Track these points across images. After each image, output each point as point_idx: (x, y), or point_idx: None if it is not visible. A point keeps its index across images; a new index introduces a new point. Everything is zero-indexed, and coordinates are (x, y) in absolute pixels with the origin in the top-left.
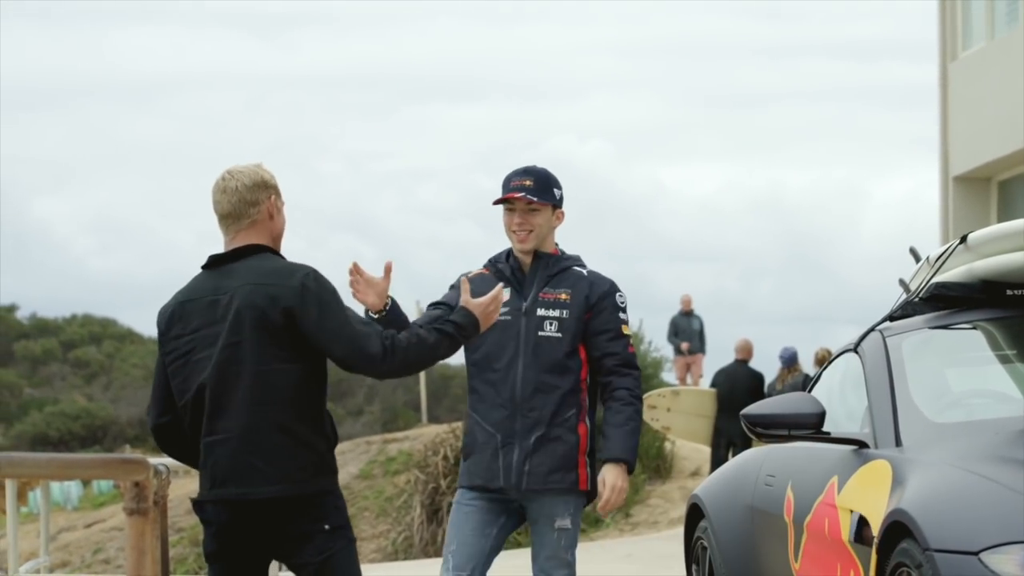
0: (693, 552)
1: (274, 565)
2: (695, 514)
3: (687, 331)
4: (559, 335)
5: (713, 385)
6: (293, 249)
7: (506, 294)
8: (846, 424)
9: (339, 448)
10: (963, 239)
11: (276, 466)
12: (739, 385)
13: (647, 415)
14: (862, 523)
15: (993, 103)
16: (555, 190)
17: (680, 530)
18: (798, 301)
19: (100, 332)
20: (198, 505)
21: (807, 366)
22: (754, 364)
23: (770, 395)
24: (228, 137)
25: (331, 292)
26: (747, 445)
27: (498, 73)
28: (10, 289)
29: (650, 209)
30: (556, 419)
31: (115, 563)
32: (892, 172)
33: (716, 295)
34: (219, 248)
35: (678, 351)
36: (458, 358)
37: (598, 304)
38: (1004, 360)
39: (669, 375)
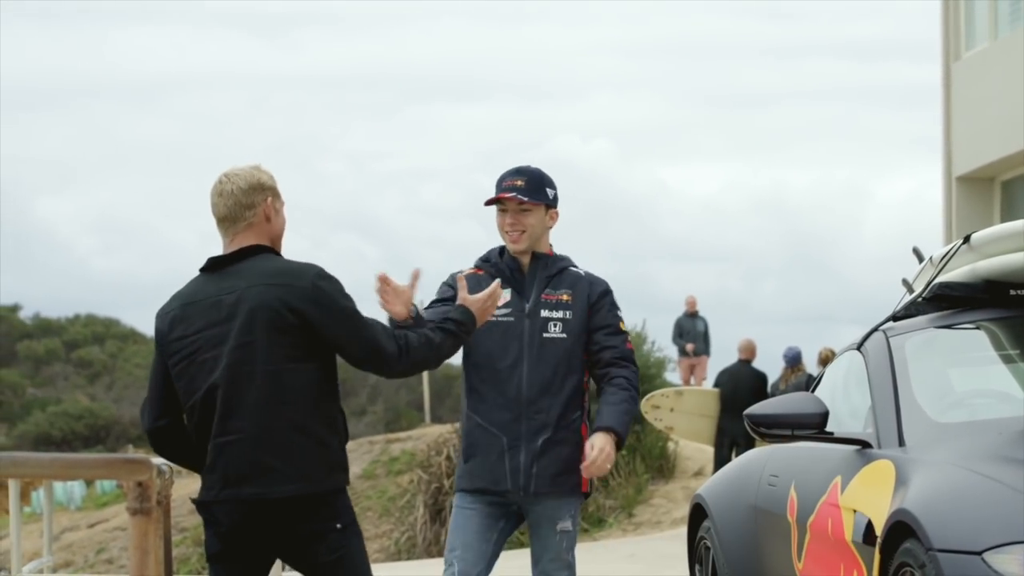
0: (696, 552)
1: (276, 565)
2: (698, 514)
3: (691, 332)
4: (564, 336)
5: (716, 385)
6: (296, 249)
7: (507, 295)
8: (849, 424)
9: None
10: (966, 239)
11: (292, 465)
12: (742, 385)
13: (650, 415)
14: (865, 523)
15: (996, 103)
16: (548, 190)
17: (683, 530)
18: (801, 301)
19: (103, 332)
20: (204, 506)
21: (810, 366)
22: (757, 364)
23: (773, 395)
24: (231, 137)
25: (342, 292)
26: (750, 445)
27: (501, 73)
28: (13, 289)
29: (653, 209)
30: (562, 421)
31: (118, 563)
32: (895, 172)
33: (719, 295)
34: (222, 249)
35: (683, 352)
36: (456, 359)
37: (597, 302)
38: (1007, 360)
39: (672, 375)
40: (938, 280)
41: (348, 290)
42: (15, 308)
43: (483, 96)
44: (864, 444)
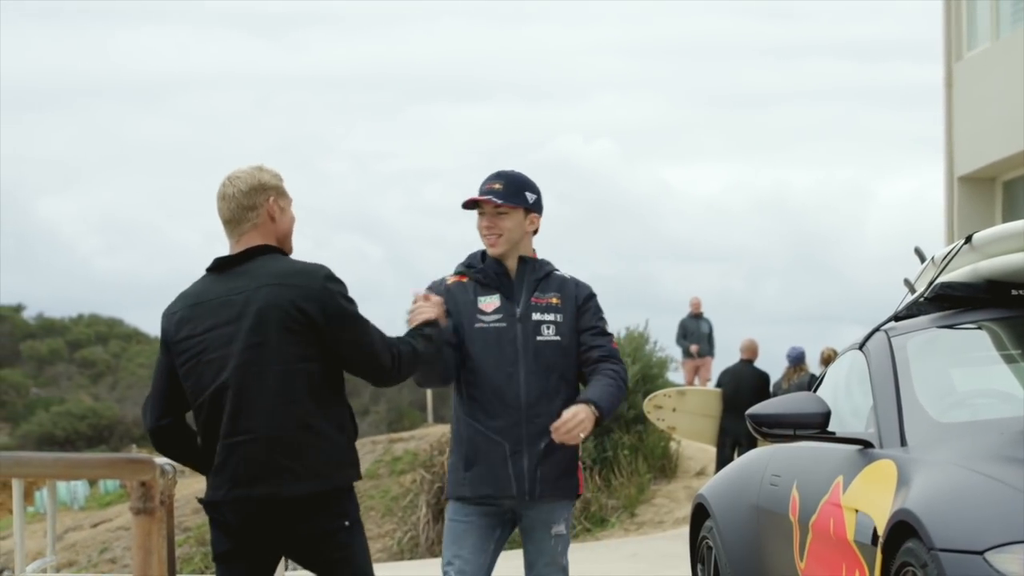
0: (698, 552)
1: (279, 565)
2: (700, 514)
3: (696, 333)
4: (558, 338)
5: (718, 385)
6: (298, 249)
7: (495, 300)
8: (851, 424)
9: None
10: (968, 239)
11: (303, 464)
12: (744, 385)
13: (652, 415)
14: (867, 523)
15: (998, 103)
16: (528, 194)
17: (685, 530)
18: (803, 301)
19: (106, 332)
20: (212, 506)
21: (813, 366)
22: (759, 364)
23: (776, 394)
24: (234, 137)
25: (348, 296)
26: (752, 445)
27: (503, 73)
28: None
29: (655, 209)
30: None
31: (121, 563)
32: (897, 172)
33: (721, 295)
34: (226, 248)
35: (687, 354)
36: None
37: (584, 305)
38: (1009, 360)
39: (674, 375)
40: (940, 280)
41: (351, 291)
42: (18, 308)
43: (485, 96)
44: (866, 444)
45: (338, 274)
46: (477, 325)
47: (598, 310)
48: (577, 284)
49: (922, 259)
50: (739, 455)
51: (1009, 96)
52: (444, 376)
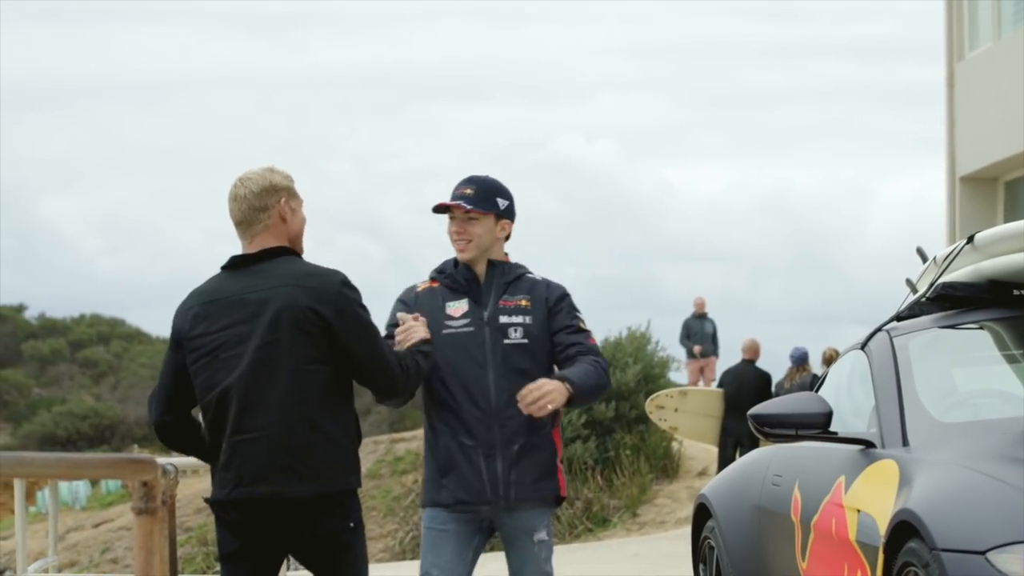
0: (700, 552)
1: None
2: (702, 514)
3: (699, 334)
4: (526, 341)
5: (720, 385)
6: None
7: (463, 304)
8: (853, 424)
9: None
10: (970, 239)
11: (310, 465)
12: (746, 385)
13: (655, 415)
14: (869, 523)
15: (1000, 103)
16: (499, 200)
17: (687, 530)
18: (805, 301)
19: (108, 332)
20: (217, 504)
21: (815, 366)
22: (761, 364)
23: (778, 394)
24: (235, 137)
25: (364, 306)
26: (754, 445)
27: (505, 73)
28: (18, 289)
29: (657, 209)
30: (534, 427)
31: (123, 563)
32: (899, 172)
33: (723, 295)
34: (229, 248)
35: (691, 354)
36: None
37: (556, 305)
38: (1011, 360)
39: (676, 375)
40: (942, 280)
41: None
42: (20, 308)
43: (487, 96)
44: (868, 444)
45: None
46: (445, 331)
47: (572, 308)
48: (548, 285)
49: (924, 259)
50: (741, 455)
51: (1011, 96)
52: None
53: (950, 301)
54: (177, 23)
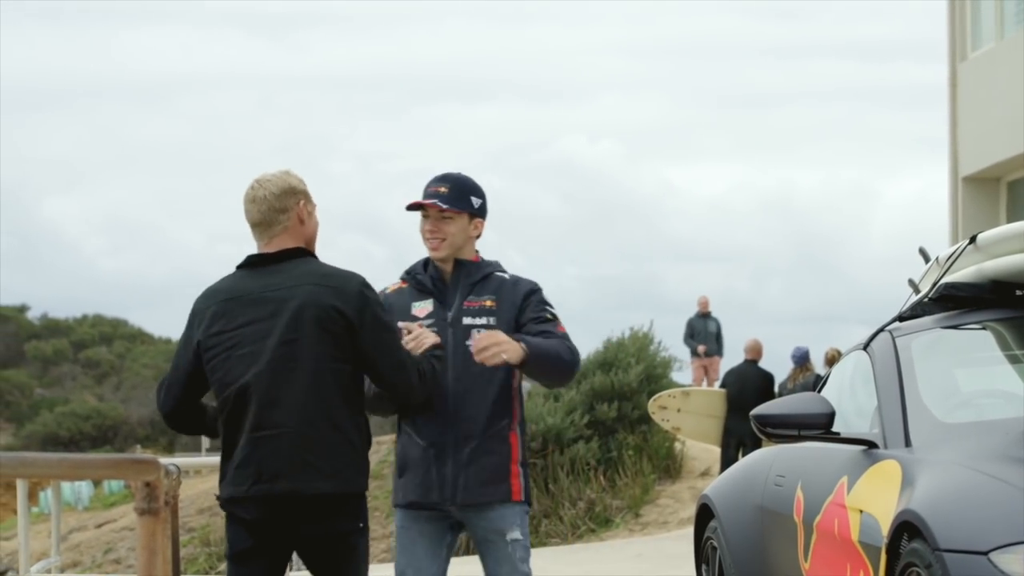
0: (703, 552)
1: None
2: (705, 514)
3: (703, 333)
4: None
5: (723, 385)
6: None
7: (428, 305)
8: (856, 424)
9: None
10: (972, 239)
11: (329, 463)
12: (749, 385)
13: (657, 416)
14: (871, 523)
15: (1002, 103)
16: (473, 198)
17: (690, 530)
18: (807, 301)
19: (111, 332)
20: (234, 501)
21: (818, 366)
22: (764, 364)
23: (781, 394)
24: (237, 137)
25: (383, 307)
26: (757, 445)
27: (508, 73)
28: (20, 289)
29: (660, 209)
30: (488, 430)
31: (126, 563)
32: (901, 172)
33: (726, 295)
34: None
35: (695, 353)
36: None
37: (524, 301)
38: (1013, 360)
39: (678, 375)
40: (944, 280)
41: None
42: (23, 308)
43: (490, 96)
44: (870, 444)
45: None
46: None
47: (541, 302)
48: (516, 283)
49: (926, 259)
50: (743, 455)
51: (1014, 96)
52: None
53: (952, 301)
54: (179, 23)
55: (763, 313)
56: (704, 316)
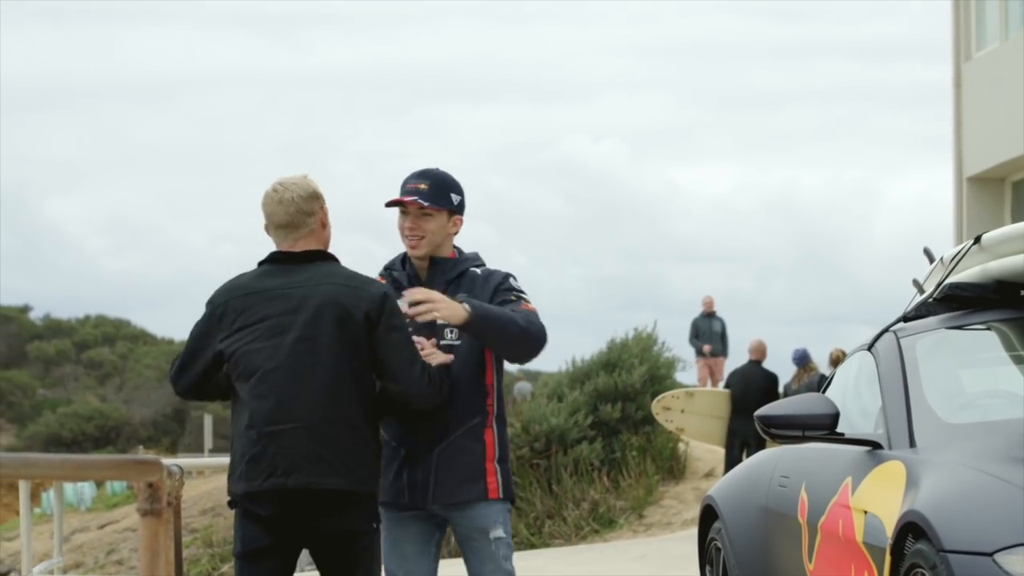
0: (707, 553)
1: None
2: (709, 515)
3: (708, 333)
4: (459, 342)
5: (727, 386)
6: None
7: (402, 305)
8: (860, 425)
9: None
10: (977, 239)
11: (343, 460)
12: (753, 386)
13: (661, 416)
14: (876, 524)
15: (1007, 103)
16: (452, 195)
17: (694, 531)
18: (812, 301)
19: (113, 333)
20: (248, 497)
21: (822, 367)
22: (768, 365)
23: (786, 395)
24: (240, 138)
25: (402, 315)
26: (761, 446)
27: (511, 74)
28: (23, 290)
29: (663, 209)
30: (460, 428)
31: (128, 564)
32: (906, 172)
33: (730, 295)
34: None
35: (700, 353)
36: None
37: (495, 291)
38: (1018, 361)
39: (682, 375)
40: (949, 281)
41: None
42: (25, 309)
43: (493, 96)
44: (875, 445)
45: None
46: None
47: (511, 288)
48: (488, 276)
49: (931, 259)
50: (747, 456)
51: (1018, 96)
52: None
53: (957, 302)
54: (181, 23)
55: (767, 313)
56: (709, 316)
